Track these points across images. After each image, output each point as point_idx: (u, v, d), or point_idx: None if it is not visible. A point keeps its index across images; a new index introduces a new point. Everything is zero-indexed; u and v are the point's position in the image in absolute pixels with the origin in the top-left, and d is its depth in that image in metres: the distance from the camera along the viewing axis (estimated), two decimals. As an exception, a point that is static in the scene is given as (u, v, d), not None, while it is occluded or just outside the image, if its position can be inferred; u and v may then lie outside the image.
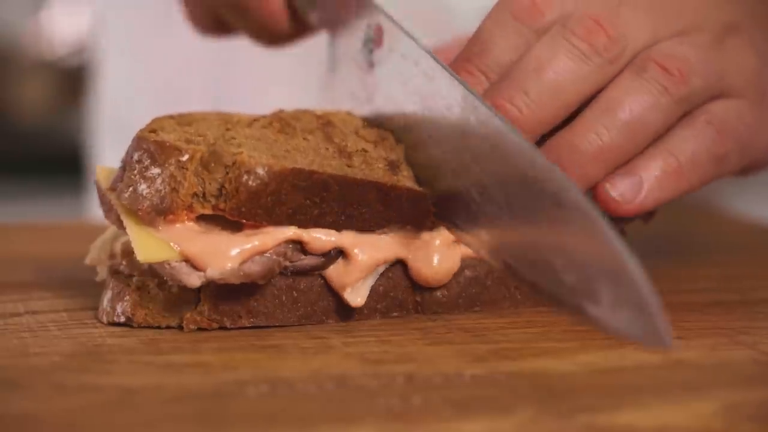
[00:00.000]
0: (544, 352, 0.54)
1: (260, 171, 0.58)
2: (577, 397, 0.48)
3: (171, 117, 0.64)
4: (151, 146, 0.59)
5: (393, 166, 0.61)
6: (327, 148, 0.62)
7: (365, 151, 0.62)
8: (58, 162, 2.27)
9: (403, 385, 0.49)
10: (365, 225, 0.60)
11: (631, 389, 0.49)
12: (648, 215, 0.65)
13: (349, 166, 0.60)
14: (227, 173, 0.58)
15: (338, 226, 0.60)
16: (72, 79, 2.50)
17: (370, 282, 0.61)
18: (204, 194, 0.58)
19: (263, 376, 0.50)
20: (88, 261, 0.65)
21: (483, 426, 0.44)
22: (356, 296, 0.60)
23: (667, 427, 0.45)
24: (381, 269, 0.61)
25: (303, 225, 0.59)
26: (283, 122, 0.64)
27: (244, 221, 0.59)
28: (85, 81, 2.43)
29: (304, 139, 0.62)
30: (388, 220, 0.60)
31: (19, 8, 2.57)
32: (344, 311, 0.61)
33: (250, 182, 0.58)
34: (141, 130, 0.60)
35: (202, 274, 0.58)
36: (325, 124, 0.64)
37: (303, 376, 0.51)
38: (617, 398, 0.48)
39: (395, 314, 0.62)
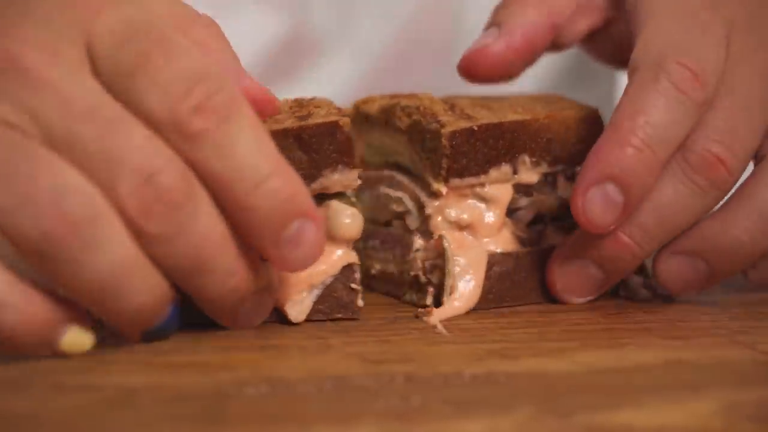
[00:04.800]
0: (543, 352, 0.54)
1: None
2: (576, 396, 0.48)
3: None
4: None
5: (303, 118, 0.59)
6: None
7: (276, 118, 0.60)
8: (58, 162, 2.26)
9: (403, 385, 0.49)
10: None
11: (630, 389, 0.49)
12: None
13: None
14: None
15: None
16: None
17: (313, 296, 0.60)
18: None
19: (263, 376, 0.51)
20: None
21: (482, 426, 0.44)
22: (297, 311, 0.59)
23: (666, 426, 0.45)
24: (328, 281, 0.60)
25: None
26: None
27: None
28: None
29: None
30: (317, 167, 0.59)
31: (19, 9, 2.56)
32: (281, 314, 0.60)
33: None
34: None
35: None
36: None
37: (302, 376, 0.51)
38: (616, 398, 0.48)
39: (339, 315, 0.61)
